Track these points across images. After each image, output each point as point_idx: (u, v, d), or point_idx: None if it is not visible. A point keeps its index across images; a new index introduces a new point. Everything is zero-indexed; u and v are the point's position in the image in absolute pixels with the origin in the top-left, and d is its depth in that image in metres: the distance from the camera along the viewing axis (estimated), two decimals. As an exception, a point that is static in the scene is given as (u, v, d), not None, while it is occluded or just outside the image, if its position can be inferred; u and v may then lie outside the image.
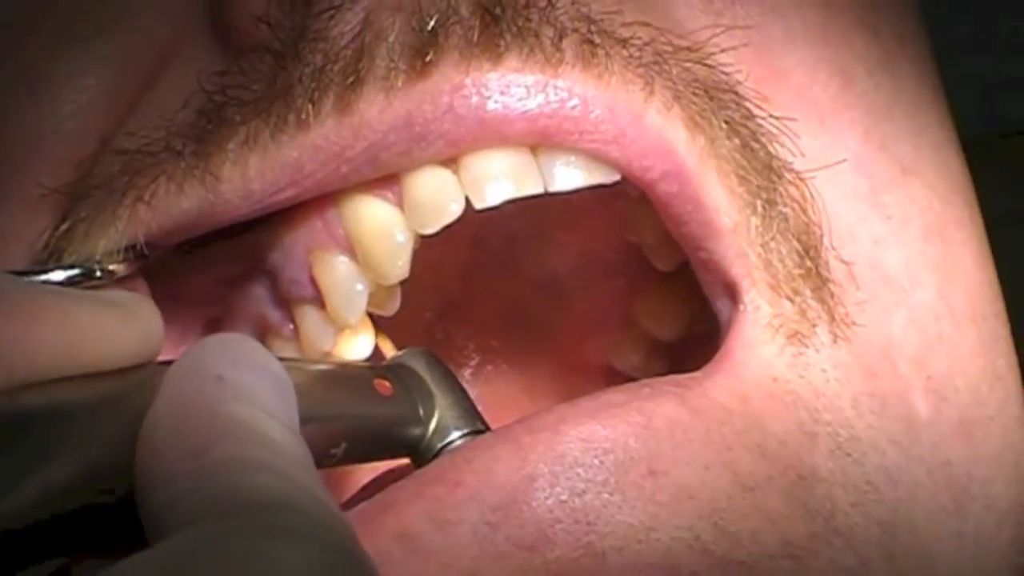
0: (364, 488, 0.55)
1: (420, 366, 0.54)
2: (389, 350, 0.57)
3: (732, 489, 0.48)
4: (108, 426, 0.39)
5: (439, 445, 0.52)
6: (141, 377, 0.40)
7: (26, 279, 0.48)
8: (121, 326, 0.41)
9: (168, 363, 0.41)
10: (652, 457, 0.48)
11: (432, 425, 0.52)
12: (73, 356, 0.39)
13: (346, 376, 0.52)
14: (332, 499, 0.38)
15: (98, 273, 0.52)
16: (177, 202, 0.51)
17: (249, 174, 0.50)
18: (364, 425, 0.50)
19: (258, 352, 0.42)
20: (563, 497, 0.47)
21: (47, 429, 0.37)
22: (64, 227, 0.53)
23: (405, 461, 0.53)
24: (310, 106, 0.50)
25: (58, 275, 0.51)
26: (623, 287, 0.64)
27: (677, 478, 0.48)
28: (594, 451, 0.48)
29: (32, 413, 0.37)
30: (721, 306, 0.53)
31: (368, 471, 0.55)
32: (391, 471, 0.53)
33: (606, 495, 0.47)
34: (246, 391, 0.39)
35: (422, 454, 0.51)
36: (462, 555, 0.46)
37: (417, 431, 0.51)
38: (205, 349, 0.41)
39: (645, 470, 0.47)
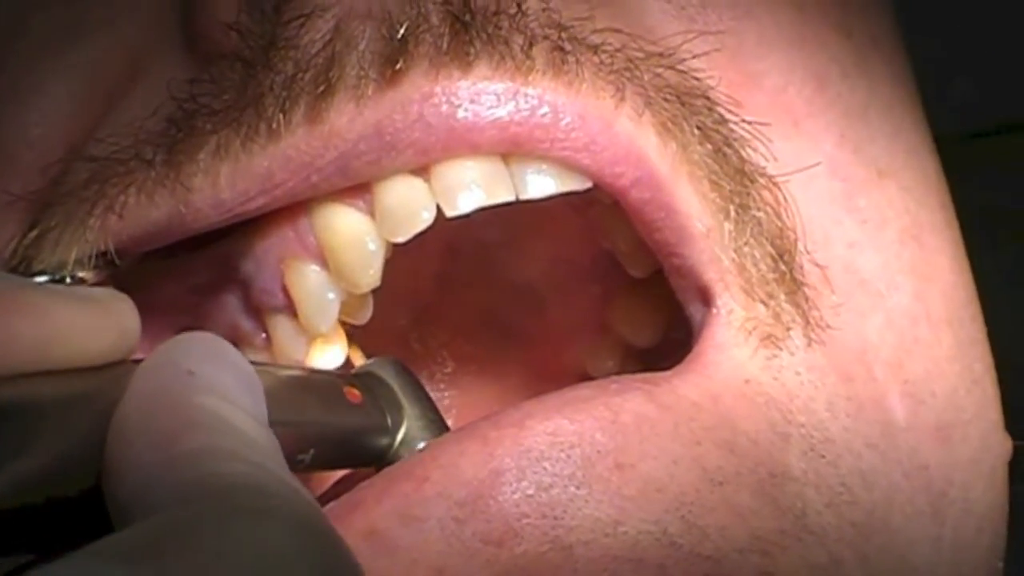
0: (333, 487, 0.55)
1: (389, 375, 0.54)
2: (358, 359, 0.57)
3: (700, 483, 0.48)
4: (80, 421, 0.39)
5: (406, 455, 0.51)
6: (115, 374, 0.40)
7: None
8: (98, 322, 0.41)
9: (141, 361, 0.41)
10: (619, 451, 0.48)
11: (400, 435, 0.52)
12: (49, 351, 0.39)
13: (316, 383, 0.51)
14: (303, 486, 0.38)
15: (68, 281, 0.52)
16: (147, 212, 0.51)
17: (219, 183, 0.50)
18: (333, 432, 0.50)
19: (228, 349, 0.42)
20: (530, 491, 0.47)
21: (18, 423, 0.37)
22: (33, 235, 0.53)
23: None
24: (281, 115, 0.49)
25: None
26: (598, 293, 0.64)
27: (644, 472, 0.47)
28: (560, 445, 0.47)
29: (4, 406, 0.37)
30: (694, 310, 0.53)
31: (337, 476, 0.55)
32: (360, 473, 0.53)
33: (573, 489, 0.47)
34: (216, 385, 0.39)
35: (389, 463, 0.51)
36: (430, 551, 0.46)
37: (384, 440, 0.51)
38: (176, 345, 0.41)
39: (612, 464, 0.47)
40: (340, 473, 0.54)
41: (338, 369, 0.56)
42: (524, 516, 0.46)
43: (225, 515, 0.33)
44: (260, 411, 0.41)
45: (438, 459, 0.47)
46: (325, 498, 0.50)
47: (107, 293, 0.43)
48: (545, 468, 0.47)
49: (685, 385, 0.50)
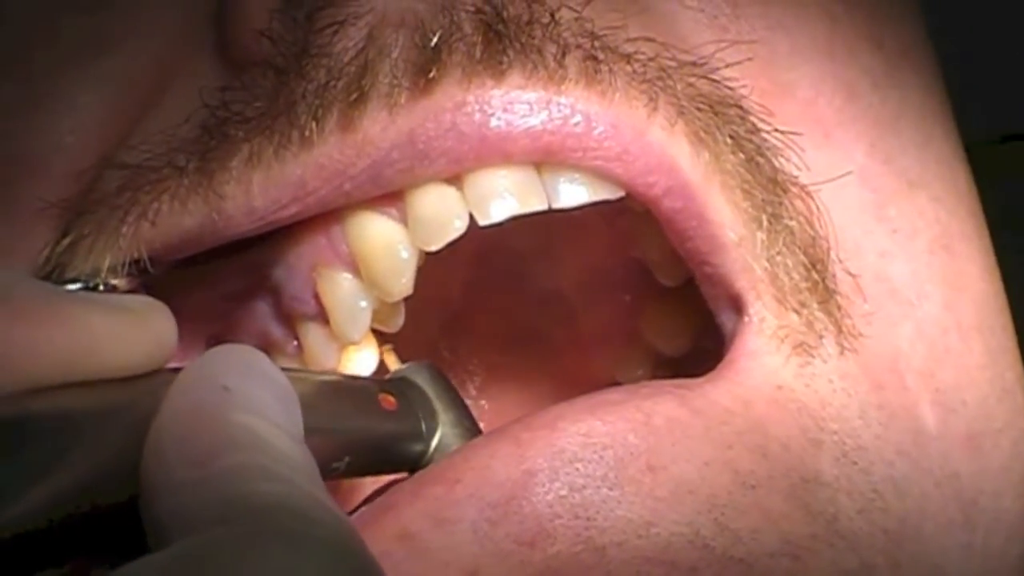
0: (368, 499, 0.55)
1: (423, 381, 0.53)
2: (393, 364, 0.57)
3: (732, 486, 0.48)
4: (115, 433, 0.39)
5: (438, 458, 0.51)
6: (151, 385, 0.40)
7: None
8: (133, 332, 0.41)
9: (177, 370, 0.40)
10: (651, 452, 0.48)
11: (434, 442, 0.52)
12: (84, 361, 0.39)
13: (350, 389, 0.51)
14: (338, 506, 0.38)
15: (100, 288, 0.52)
16: (180, 219, 0.51)
17: (252, 191, 0.50)
18: (367, 439, 0.50)
19: (263, 363, 0.42)
20: (562, 492, 0.47)
21: (55, 434, 0.37)
22: (66, 242, 0.53)
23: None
24: (314, 123, 0.49)
25: None
26: (628, 302, 0.64)
27: (676, 473, 0.47)
28: (593, 446, 0.48)
29: (41, 417, 0.37)
30: (725, 319, 0.53)
31: (373, 483, 0.55)
32: (395, 481, 0.53)
33: (605, 490, 0.47)
34: (252, 401, 0.39)
35: (424, 465, 0.51)
36: (462, 553, 0.46)
37: (419, 447, 0.51)
38: (211, 359, 0.41)
39: (644, 465, 0.47)
40: (375, 485, 0.55)
41: (372, 375, 0.56)
42: (557, 517, 0.46)
43: (263, 538, 0.34)
44: (296, 427, 0.41)
45: (470, 461, 0.47)
46: (360, 507, 0.50)
47: (143, 302, 0.43)
48: (578, 469, 0.47)
49: (717, 391, 0.50)
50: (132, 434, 0.38)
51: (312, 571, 0.33)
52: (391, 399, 0.51)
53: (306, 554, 0.33)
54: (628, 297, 0.64)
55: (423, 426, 0.52)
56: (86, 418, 0.38)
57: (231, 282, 0.56)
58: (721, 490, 0.48)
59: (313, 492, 0.37)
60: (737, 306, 0.52)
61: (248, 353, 0.42)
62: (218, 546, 0.33)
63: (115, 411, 0.39)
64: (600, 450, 0.47)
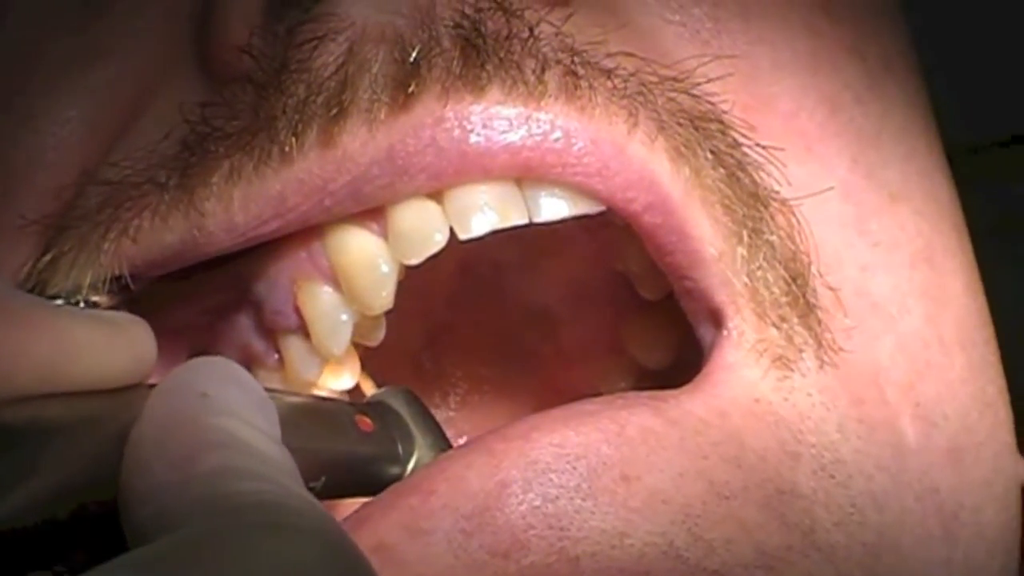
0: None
1: (400, 404, 0.54)
2: (370, 388, 0.57)
3: (707, 496, 0.48)
4: (95, 442, 0.39)
5: None
6: (129, 397, 0.41)
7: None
8: (114, 343, 0.41)
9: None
10: (625, 463, 0.48)
11: (411, 464, 0.52)
12: (63, 371, 0.39)
13: (327, 410, 0.52)
14: (319, 503, 0.38)
15: (82, 305, 0.52)
16: (161, 236, 0.51)
17: (233, 207, 0.50)
18: (344, 460, 0.50)
19: (240, 372, 0.42)
20: (536, 503, 0.47)
21: (30, 444, 0.37)
22: (47, 258, 0.53)
23: None
24: (293, 139, 0.49)
25: None
26: (610, 315, 0.63)
27: (650, 483, 0.47)
28: (566, 457, 0.48)
29: (20, 426, 0.37)
30: (705, 332, 0.53)
31: (350, 505, 0.55)
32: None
33: (579, 500, 0.47)
34: (230, 405, 0.40)
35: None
36: (437, 564, 0.46)
37: (396, 470, 0.51)
38: (190, 369, 0.41)
39: (618, 475, 0.47)
40: (354, 503, 0.55)
41: (349, 397, 0.56)
42: (531, 528, 0.46)
43: (250, 530, 0.34)
44: (274, 430, 0.41)
45: (444, 472, 0.48)
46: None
47: (124, 317, 0.43)
48: (551, 480, 0.47)
49: (692, 402, 0.50)
50: (112, 443, 0.38)
51: (297, 558, 0.33)
52: (368, 421, 0.51)
53: (293, 543, 0.34)
54: (610, 310, 0.63)
55: (399, 448, 0.52)
56: (66, 427, 0.39)
57: (212, 296, 0.56)
58: (695, 500, 0.48)
59: (296, 489, 0.38)
60: (716, 320, 0.52)
61: (225, 363, 0.43)
62: (201, 538, 0.33)
63: (95, 421, 0.39)
64: (573, 460, 0.48)
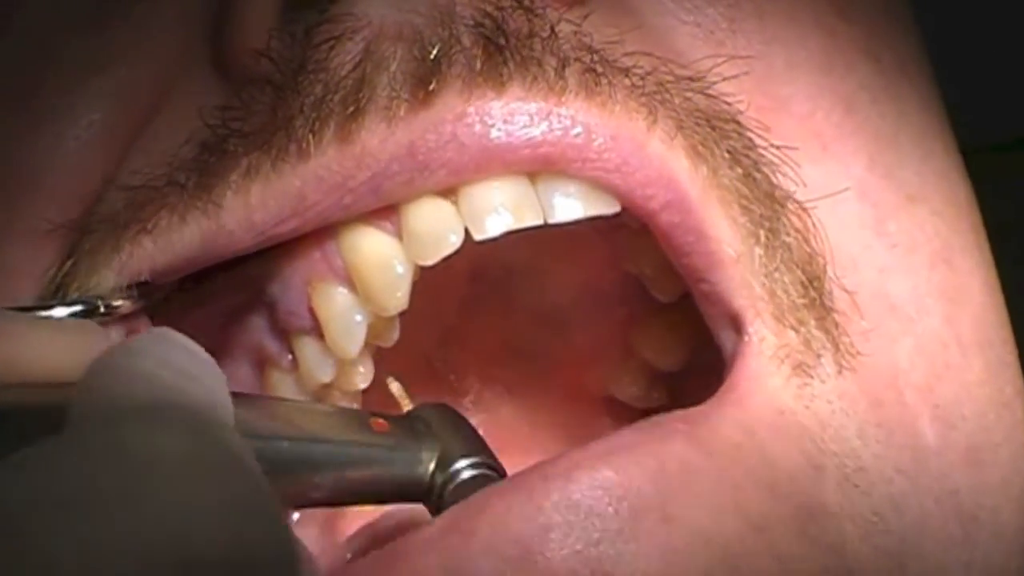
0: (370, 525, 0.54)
1: (431, 415, 0.53)
2: (398, 392, 0.56)
3: (745, 531, 0.48)
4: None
5: (450, 488, 0.51)
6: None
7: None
8: (53, 344, 0.44)
9: None
10: (666, 502, 0.47)
11: (433, 463, 0.51)
12: (12, 365, 0.43)
13: (341, 411, 0.52)
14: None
15: (101, 309, 0.52)
16: (180, 233, 0.51)
17: (251, 204, 0.50)
18: (356, 456, 0.49)
19: (185, 340, 0.42)
20: (578, 547, 0.46)
21: None
22: (70, 263, 0.53)
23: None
24: (311, 136, 0.49)
25: (60, 312, 0.51)
26: (623, 317, 0.63)
27: (691, 522, 0.47)
28: (608, 499, 0.47)
29: None
30: (725, 338, 0.53)
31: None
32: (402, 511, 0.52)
33: (621, 544, 0.46)
34: (168, 361, 0.40)
35: (433, 497, 0.51)
36: None
37: (419, 470, 0.51)
38: (135, 339, 0.42)
39: (659, 516, 0.47)
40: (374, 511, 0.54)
41: (364, 392, 0.56)
42: (573, 572, 0.46)
43: (112, 420, 0.35)
44: (221, 391, 0.41)
45: (485, 512, 0.47)
46: (362, 534, 0.50)
47: (72, 322, 0.47)
48: (594, 523, 0.47)
49: (724, 423, 0.50)
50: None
51: (166, 448, 0.34)
52: (382, 422, 0.50)
53: (162, 432, 0.35)
54: (622, 312, 0.63)
55: (421, 447, 0.51)
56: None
57: (227, 298, 0.56)
58: (734, 537, 0.47)
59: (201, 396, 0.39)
60: (736, 325, 0.52)
61: (170, 331, 0.43)
62: (72, 431, 0.36)
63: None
64: (615, 503, 0.47)
